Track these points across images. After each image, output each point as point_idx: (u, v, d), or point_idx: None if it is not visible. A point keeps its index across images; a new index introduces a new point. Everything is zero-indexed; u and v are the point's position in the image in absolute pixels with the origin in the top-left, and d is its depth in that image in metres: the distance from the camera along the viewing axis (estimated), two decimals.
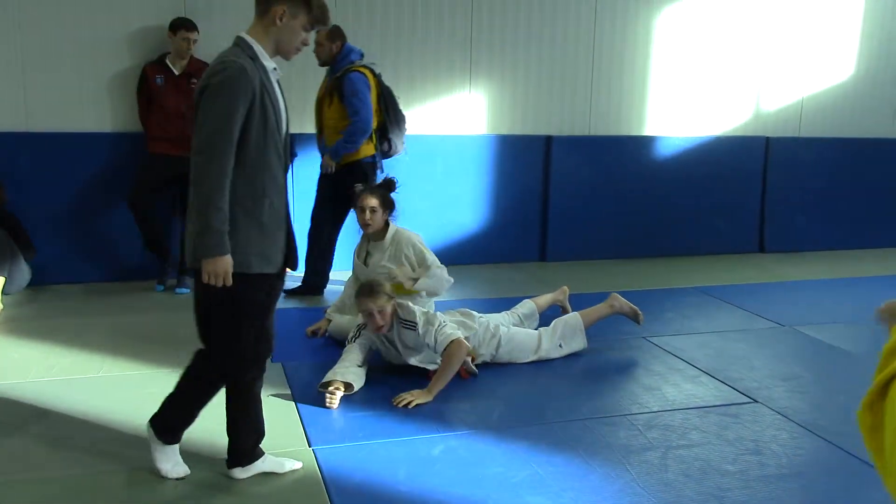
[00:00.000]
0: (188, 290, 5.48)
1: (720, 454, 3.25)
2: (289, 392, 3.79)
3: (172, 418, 2.92)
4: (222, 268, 2.57)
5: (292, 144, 5.60)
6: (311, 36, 2.81)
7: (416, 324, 3.83)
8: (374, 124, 5.30)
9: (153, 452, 2.91)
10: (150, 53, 5.59)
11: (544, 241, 6.79)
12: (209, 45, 5.34)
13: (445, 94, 6.42)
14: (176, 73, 5.45)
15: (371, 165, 5.39)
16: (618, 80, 6.84)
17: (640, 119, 6.98)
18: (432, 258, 4.50)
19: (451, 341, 3.76)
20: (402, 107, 5.54)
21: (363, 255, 4.61)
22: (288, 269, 2.89)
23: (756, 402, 3.84)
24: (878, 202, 7.72)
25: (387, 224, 4.55)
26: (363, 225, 4.49)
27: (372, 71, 5.31)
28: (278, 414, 3.50)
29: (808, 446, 3.39)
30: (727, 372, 4.23)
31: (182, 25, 5.39)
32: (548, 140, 6.68)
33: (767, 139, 7.35)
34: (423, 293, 4.47)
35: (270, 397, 3.65)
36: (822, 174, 7.51)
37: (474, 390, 3.91)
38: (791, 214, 7.46)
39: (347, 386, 3.71)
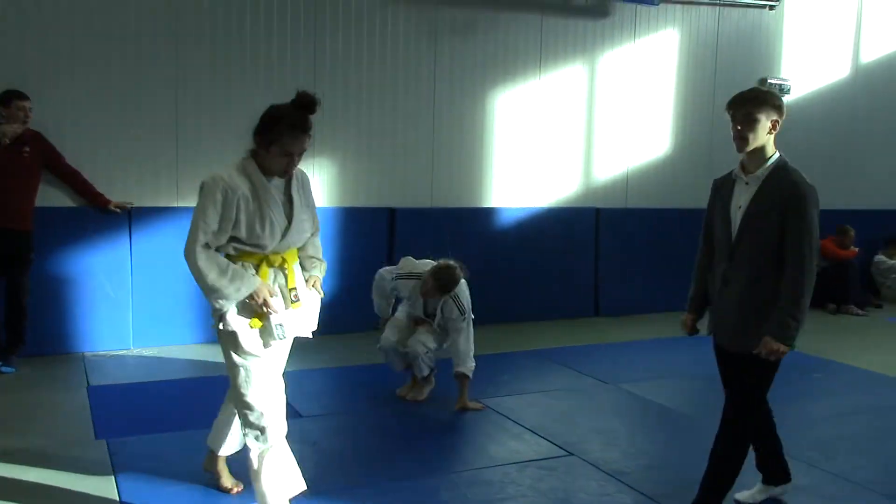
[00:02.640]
0: (13, 370, 5.32)
1: None
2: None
3: None
4: None
5: None
6: None
7: (465, 309, 4.77)
8: None
9: None
10: None
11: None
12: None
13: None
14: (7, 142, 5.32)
15: None
16: (457, 153, 7.21)
17: (479, 191, 7.36)
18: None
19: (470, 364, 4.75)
20: None
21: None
22: None
23: (572, 454, 4.08)
24: (692, 267, 8.36)
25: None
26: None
27: None
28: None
29: (613, 492, 3.64)
30: (549, 428, 4.47)
31: (16, 96, 5.34)
32: (391, 212, 6.92)
33: (597, 210, 7.90)
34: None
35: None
36: (648, 241, 8.10)
37: (299, 447, 3.96)
38: (622, 279, 7.99)
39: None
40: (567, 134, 7.75)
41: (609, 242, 7.94)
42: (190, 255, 2.95)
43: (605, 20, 7.80)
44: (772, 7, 8.64)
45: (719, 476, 3.32)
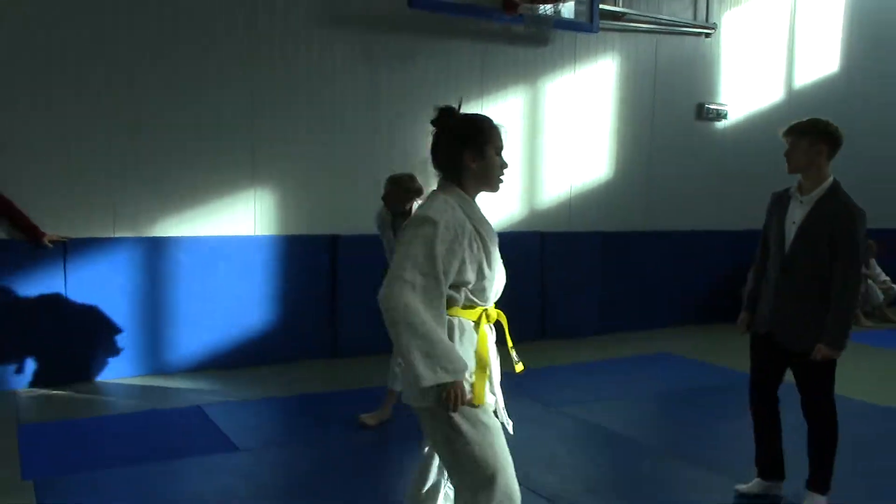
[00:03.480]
0: None
1: None
2: None
3: None
4: None
5: None
6: None
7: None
8: None
9: None
10: None
11: (335, 337, 6.91)
12: None
13: (228, 196, 6.52)
14: None
15: None
16: None
17: None
18: None
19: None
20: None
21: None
22: None
23: None
24: (637, 287, 8.51)
25: None
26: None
27: None
28: None
29: None
30: None
31: None
32: (333, 239, 6.90)
33: (542, 233, 7.98)
34: None
35: None
36: (591, 264, 8.21)
37: (233, 481, 3.90)
38: (566, 302, 8.06)
39: None
40: (510, 160, 7.81)
41: (554, 265, 8.01)
42: (404, 302, 2.38)
43: (545, 48, 7.93)
44: (708, 35, 8.88)
45: (828, 458, 3.75)
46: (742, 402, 5.72)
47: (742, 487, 4.02)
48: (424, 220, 2.45)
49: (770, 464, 3.98)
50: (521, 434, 4.90)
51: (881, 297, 9.22)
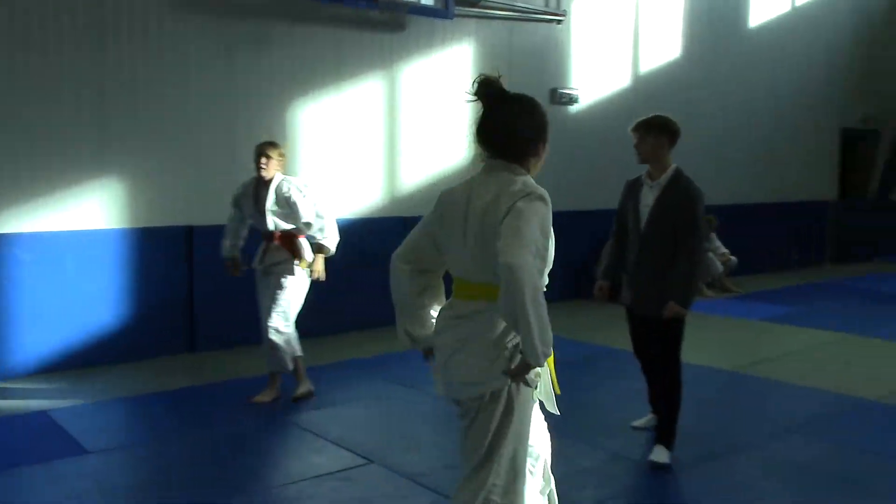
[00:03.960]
0: None
1: None
2: None
3: None
4: None
5: None
6: None
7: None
8: None
9: None
10: None
11: (193, 331, 6.72)
12: None
13: (74, 188, 6.19)
14: None
15: None
16: None
17: None
18: None
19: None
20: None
21: None
22: None
23: (372, 462, 4.12)
24: None
25: None
26: None
27: None
28: None
29: (411, 495, 3.71)
30: (352, 438, 4.49)
31: None
32: (189, 230, 6.69)
33: (405, 219, 8.02)
34: None
35: None
36: None
37: (83, 484, 3.74)
38: None
39: None
40: (371, 146, 7.84)
41: None
42: (535, 280, 2.32)
43: (401, 33, 7.96)
44: (559, 21, 9.17)
45: (672, 414, 4.19)
46: (595, 372, 6.04)
47: (638, 423, 4.62)
48: (540, 197, 2.48)
49: (658, 402, 4.44)
50: (381, 414, 4.96)
51: (721, 268, 9.86)
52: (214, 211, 6.83)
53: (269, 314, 5.09)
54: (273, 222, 5.08)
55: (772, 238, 11.90)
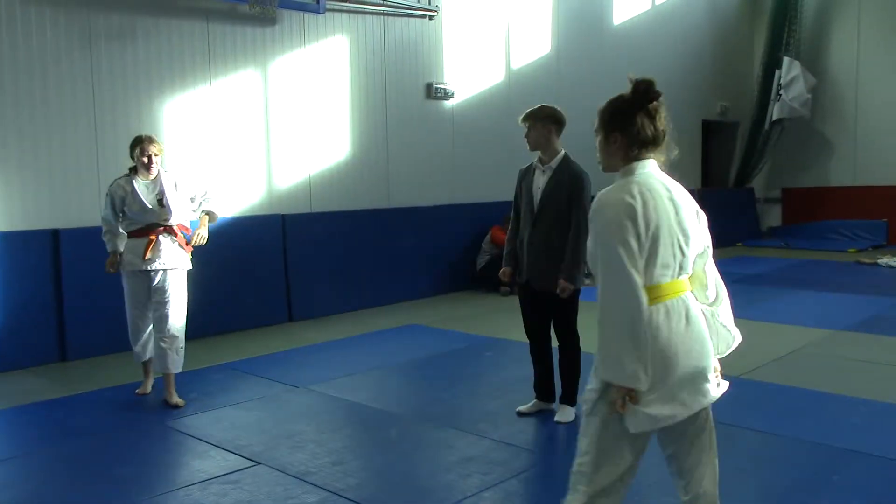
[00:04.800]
0: None
1: None
2: None
3: None
4: None
5: None
6: None
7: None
8: None
9: None
10: None
11: (63, 339, 6.40)
12: None
13: None
14: None
15: None
16: (126, 166, 6.78)
17: None
18: None
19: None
20: None
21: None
22: None
23: (259, 464, 4.06)
24: (381, 263, 8.76)
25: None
26: None
27: None
28: None
29: (299, 494, 3.68)
30: (236, 441, 4.41)
31: None
32: (55, 234, 6.36)
33: (283, 216, 7.92)
34: None
35: None
36: (335, 243, 8.30)
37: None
38: (313, 283, 8.10)
39: None
40: (246, 141, 7.68)
41: (297, 247, 8.00)
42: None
43: (274, 27, 7.83)
44: (431, 17, 9.27)
45: (574, 379, 4.62)
46: (478, 363, 6.16)
47: (522, 408, 4.78)
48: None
49: (543, 388, 4.79)
50: (264, 415, 4.89)
51: None
52: (81, 212, 6.55)
53: (169, 314, 5.03)
54: (174, 212, 5.06)
55: None
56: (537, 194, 4.54)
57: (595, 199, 2.43)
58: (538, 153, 4.61)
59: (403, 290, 8.98)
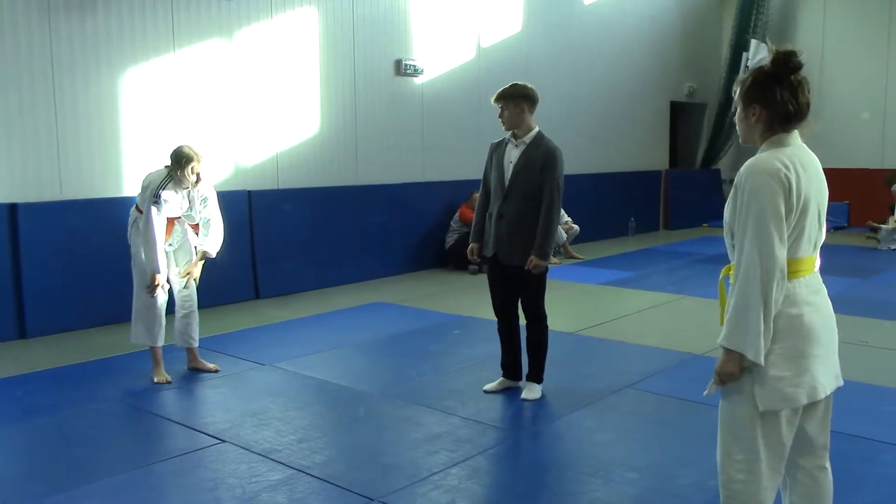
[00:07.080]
0: None
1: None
2: None
3: None
4: None
5: None
6: None
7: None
8: None
9: None
10: None
11: (21, 317, 6.26)
12: None
13: None
14: None
15: None
16: (87, 139, 6.65)
17: (117, 179, 6.88)
18: None
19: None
20: None
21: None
22: None
23: (224, 441, 4.02)
24: (350, 241, 8.70)
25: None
26: None
27: None
28: None
29: (264, 472, 3.65)
30: (201, 419, 4.37)
31: None
32: (12, 208, 6.21)
33: (249, 192, 7.82)
34: None
35: None
36: (301, 220, 8.22)
37: None
38: (280, 260, 8.02)
39: None
40: (211, 114, 7.54)
41: (263, 224, 7.91)
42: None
43: (240, 0, 7.68)
44: None
45: (541, 357, 4.66)
46: (446, 340, 6.16)
47: (489, 386, 4.80)
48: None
49: (510, 366, 4.81)
50: (229, 393, 4.84)
51: (564, 236, 10.27)
52: (40, 186, 6.41)
53: (190, 290, 5.26)
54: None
55: (611, 207, 12.51)
56: (509, 168, 4.55)
57: (745, 165, 2.31)
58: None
59: (371, 268, 8.94)
